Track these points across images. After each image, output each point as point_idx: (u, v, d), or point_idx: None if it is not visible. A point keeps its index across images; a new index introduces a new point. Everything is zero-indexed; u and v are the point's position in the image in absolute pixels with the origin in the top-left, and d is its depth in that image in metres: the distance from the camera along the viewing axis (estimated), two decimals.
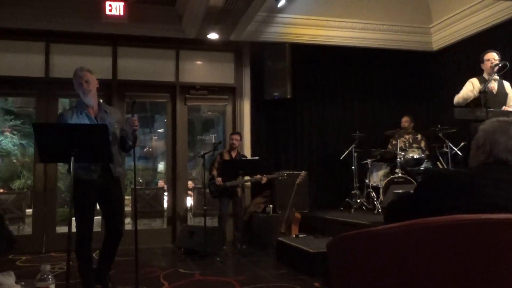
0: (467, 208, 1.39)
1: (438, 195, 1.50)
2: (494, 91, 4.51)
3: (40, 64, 6.21)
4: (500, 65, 4.29)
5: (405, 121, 6.73)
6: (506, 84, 4.67)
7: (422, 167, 5.94)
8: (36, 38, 6.17)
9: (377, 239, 1.38)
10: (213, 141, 10.61)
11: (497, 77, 4.52)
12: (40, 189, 6.12)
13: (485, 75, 4.59)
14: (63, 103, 7.60)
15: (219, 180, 5.77)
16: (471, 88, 4.55)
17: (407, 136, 6.59)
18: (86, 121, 3.36)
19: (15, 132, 10.60)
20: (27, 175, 9.38)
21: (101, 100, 3.48)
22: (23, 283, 2.73)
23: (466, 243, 1.21)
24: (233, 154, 6.06)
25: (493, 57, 4.53)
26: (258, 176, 5.79)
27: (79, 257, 3.34)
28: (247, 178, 5.81)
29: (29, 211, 6.65)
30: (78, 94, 3.38)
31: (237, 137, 6.14)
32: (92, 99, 3.40)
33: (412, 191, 1.67)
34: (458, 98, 4.62)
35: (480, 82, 4.55)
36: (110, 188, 3.44)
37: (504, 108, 4.44)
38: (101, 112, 3.46)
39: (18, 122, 10.58)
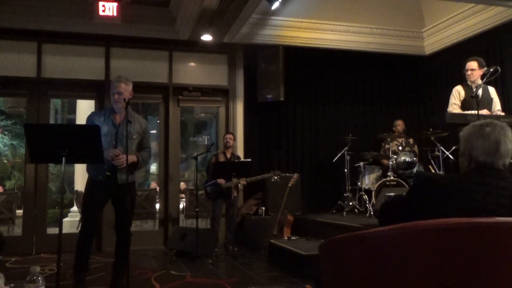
0: (457, 213, 1.40)
1: (429, 199, 1.51)
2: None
3: (32, 64, 6.16)
4: (491, 70, 4.31)
5: (399, 124, 6.78)
6: (491, 89, 4.71)
7: (414, 171, 5.98)
8: (28, 38, 6.12)
9: (368, 242, 1.38)
10: (205, 142, 10.60)
11: (481, 83, 4.54)
12: (31, 190, 6.07)
13: (469, 82, 4.66)
14: (55, 103, 7.54)
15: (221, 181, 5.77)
16: (454, 101, 4.61)
17: (399, 140, 6.62)
18: (111, 127, 3.47)
19: (6, 133, 10.52)
20: (18, 175, 9.31)
21: (130, 108, 3.49)
22: (12, 285, 2.69)
23: (457, 246, 1.22)
24: (228, 153, 6.05)
25: (470, 67, 4.60)
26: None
27: (78, 253, 3.40)
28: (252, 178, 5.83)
29: (19, 212, 6.60)
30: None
31: (231, 136, 6.18)
32: (121, 107, 3.49)
33: (404, 194, 1.68)
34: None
35: (465, 89, 4.60)
36: (119, 190, 3.49)
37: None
38: (124, 120, 3.49)
39: (9, 122, 10.50)
